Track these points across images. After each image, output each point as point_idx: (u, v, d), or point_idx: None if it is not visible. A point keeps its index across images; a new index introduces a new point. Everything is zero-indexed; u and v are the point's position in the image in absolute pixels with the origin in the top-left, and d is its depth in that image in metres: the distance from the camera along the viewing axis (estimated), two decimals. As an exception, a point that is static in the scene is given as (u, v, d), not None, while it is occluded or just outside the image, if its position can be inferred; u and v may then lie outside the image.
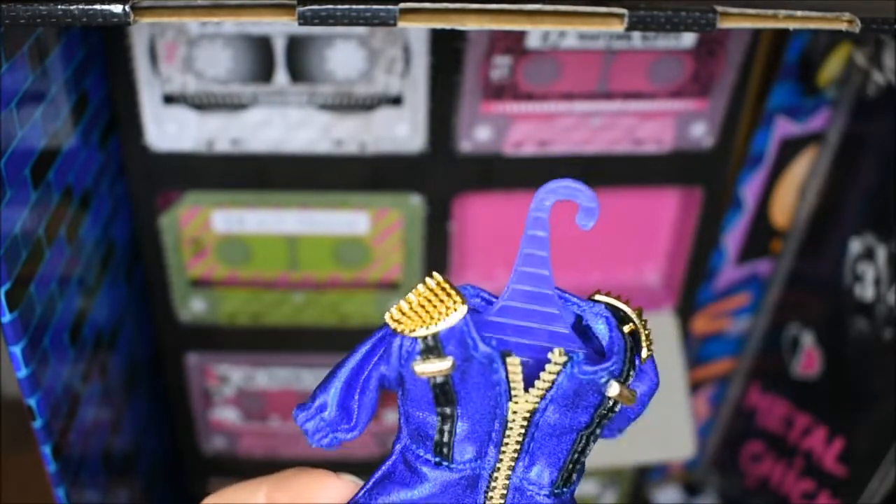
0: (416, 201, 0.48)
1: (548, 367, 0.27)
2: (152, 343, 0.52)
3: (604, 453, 0.51)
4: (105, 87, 0.44)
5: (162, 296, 0.50)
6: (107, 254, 0.44)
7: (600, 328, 0.28)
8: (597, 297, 0.28)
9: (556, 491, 0.28)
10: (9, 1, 0.28)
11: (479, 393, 0.27)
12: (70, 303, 0.39)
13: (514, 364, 0.26)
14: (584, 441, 0.28)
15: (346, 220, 0.49)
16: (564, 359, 0.26)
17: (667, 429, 0.54)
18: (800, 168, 0.53)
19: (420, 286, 0.27)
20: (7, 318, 0.32)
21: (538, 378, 0.27)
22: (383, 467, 0.29)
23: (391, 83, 0.45)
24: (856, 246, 0.51)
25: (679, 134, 0.48)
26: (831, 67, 0.50)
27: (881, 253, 0.49)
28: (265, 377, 0.53)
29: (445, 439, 0.27)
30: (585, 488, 0.59)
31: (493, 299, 0.28)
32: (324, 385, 0.28)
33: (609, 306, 0.28)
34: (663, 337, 0.54)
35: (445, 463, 0.28)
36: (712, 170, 0.50)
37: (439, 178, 0.47)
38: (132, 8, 0.29)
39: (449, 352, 0.26)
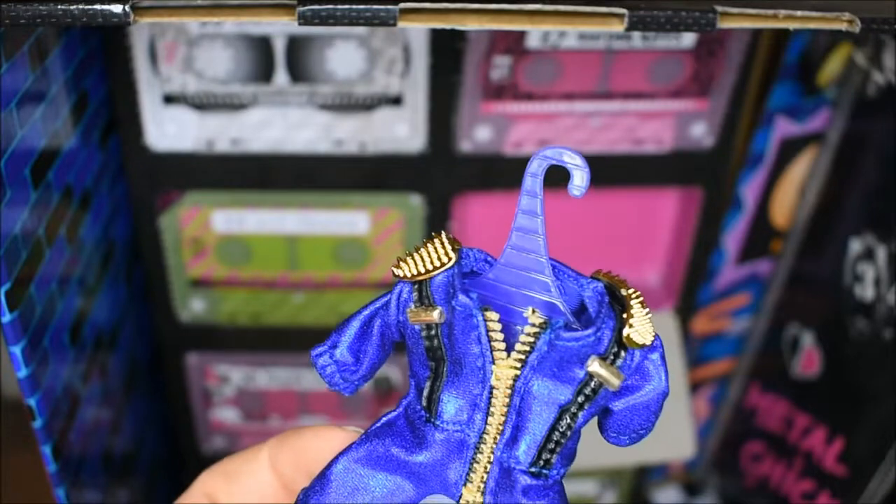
0: (416, 201, 0.48)
1: (525, 328, 0.27)
2: (152, 343, 0.52)
3: (604, 453, 0.51)
4: (105, 87, 0.44)
5: (162, 296, 0.50)
6: (107, 254, 0.44)
7: (592, 302, 0.28)
8: (600, 275, 0.28)
9: (532, 469, 0.28)
10: (9, 1, 0.28)
11: (464, 350, 0.27)
12: (70, 303, 0.39)
13: (493, 320, 0.27)
14: (566, 419, 0.27)
15: (346, 220, 0.49)
16: (540, 320, 0.27)
17: (667, 429, 0.54)
18: (800, 168, 0.53)
19: (426, 239, 0.28)
20: (7, 318, 0.32)
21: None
22: (385, 417, 0.29)
23: (391, 83, 0.45)
24: (856, 246, 0.51)
25: (679, 134, 0.48)
26: (831, 67, 0.50)
27: (881, 253, 0.49)
28: (265, 377, 0.53)
29: (434, 396, 0.28)
30: (585, 488, 0.60)
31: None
32: (339, 328, 0.29)
33: (608, 286, 0.28)
34: (663, 337, 0.54)
35: (432, 420, 0.28)
36: (712, 170, 0.50)
37: (439, 178, 0.47)
38: (132, 8, 0.29)
39: (439, 302, 0.27)
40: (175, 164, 0.46)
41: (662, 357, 0.28)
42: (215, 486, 0.31)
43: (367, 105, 0.45)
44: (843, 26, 0.30)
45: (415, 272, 0.28)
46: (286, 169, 0.47)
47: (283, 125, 0.45)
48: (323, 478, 0.29)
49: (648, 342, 0.27)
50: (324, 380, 0.30)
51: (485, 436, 0.28)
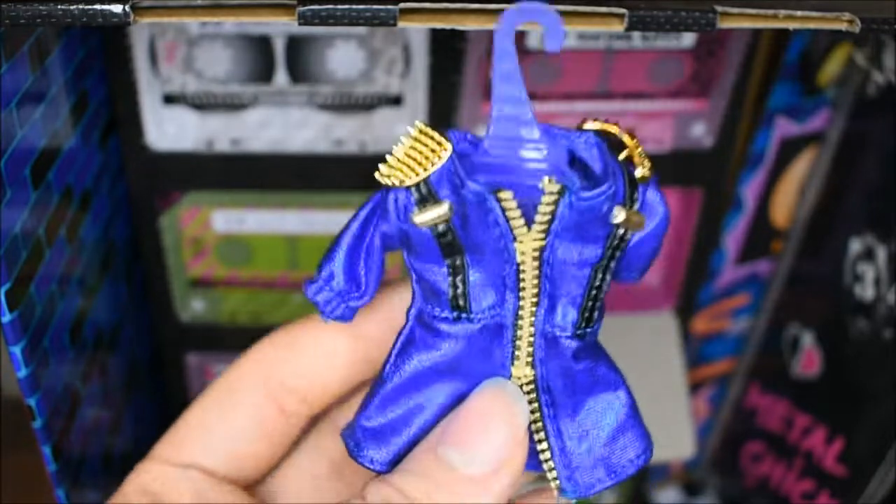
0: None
1: (543, 198, 0.26)
2: (152, 343, 0.52)
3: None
4: (105, 87, 0.44)
5: (162, 296, 0.50)
6: (107, 254, 0.44)
7: (593, 155, 0.27)
8: (586, 125, 0.28)
9: (578, 332, 0.28)
10: (9, 1, 0.28)
11: (483, 236, 0.26)
12: (70, 303, 0.39)
13: (507, 199, 0.26)
14: (600, 276, 0.27)
15: (347, 220, 0.48)
16: (558, 187, 0.26)
17: (667, 429, 0.54)
18: (800, 168, 0.53)
19: (403, 137, 0.27)
20: (7, 318, 0.32)
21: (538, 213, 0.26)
22: (401, 337, 0.28)
23: (391, 83, 0.45)
24: (856, 246, 0.51)
25: (679, 134, 0.48)
26: (831, 67, 0.50)
27: (881, 253, 0.49)
28: (265, 377, 0.53)
29: (460, 291, 0.27)
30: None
31: (481, 141, 0.27)
32: (327, 256, 0.28)
33: (599, 133, 0.27)
34: (663, 337, 0.54)
35: (464, 315, 0.27)
36: (712, 170, 0.50)
37: (439, 178, 0.47)
38: (132, 8, 0.29)
39: (443, 196, 0.26)
40: (175, 164, 0.46)
41: (656, 183, 0.28)
42: (274, 360, 0.31)
43: (367, 105, 0.45)
44: (843, 26, 0.30)
45: (414, 177, 0.26)
46: (286, 169, 0.47)
47: (283, 125, 0.45)
48: (366, 420, 0.28)
49: (651, 173, 0.27)
50: (325, 315, 0.29)
51: (520, 312, 0.27)
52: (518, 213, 0.26)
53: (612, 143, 0.27)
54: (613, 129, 0.28)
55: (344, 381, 0.31)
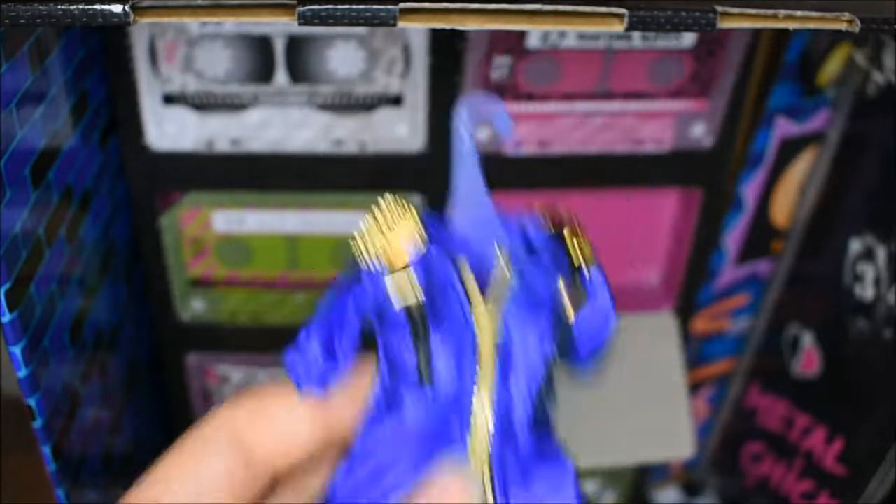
0: (416, 201, 0.48)
1: (495, 263, 0.29)
2: (152, 343, 0.52)
3: (604, 453, 0.51)
4: (105, 87, 0.44)
5: (162, 296, 0.50)
6: (107, 254, 0.44)
7: (537, 235, 0.30)
8: (536, 209, 0.31)
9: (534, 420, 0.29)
10: (9, 1, 0.28)
11: (445, 308, 0.29)
12: (70, 303, 0.39)
13: (465, 266, 0.29)
14: (547, 377, 0.29)
15: (347, 220, 0.48)
16: (507, 255, 0.29)
17: (667, 429, 0.54)
18: (800, 168, 0.53)
19: (375, 209, 0.29)
20: (7, 318, 0.32)
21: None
22: (368, 411, 0.30)
23: (391, 83, 0.45)
24: (856, 246, 0.51)
25: (679, 134, 0.48)
26: (831, 67, 0.50)
27: (881, 253, 0.49)
28: (265, 377, 0.53)
29: (423, 362, 0.29)
30: (585, 488, 0.59)
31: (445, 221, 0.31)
32: (306, 329, 0.30)
33: (544, 215, 0.31)
34: (663, 337, 0.54)
35: (426, 385, 0.29)
36: (712, 170, 0.50)
37: (439, 178, 0.47)
38: (132, 8, 0.29)
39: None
40: (175, 164, 0.46)
41: (606, 283, 0.30)
42: (243, 420, 0.32)
43: (367, 105, 0.45)
44: (843, 26, 0.30)
45: (398, 264, 0.28)
46: (286, 169, 0.47)
47: (283, 125, 0.45)
48: (333, 491, 0.30)
49: (591, 259, 0.30)
50: (301, 385, 0.30)
51: (479, 382, 0.29)
52: (474, 282, 0.29)
53: (558, 224, 0.30)
54: (558, 216, 0.31)
55: (307, 447, 0.32)
